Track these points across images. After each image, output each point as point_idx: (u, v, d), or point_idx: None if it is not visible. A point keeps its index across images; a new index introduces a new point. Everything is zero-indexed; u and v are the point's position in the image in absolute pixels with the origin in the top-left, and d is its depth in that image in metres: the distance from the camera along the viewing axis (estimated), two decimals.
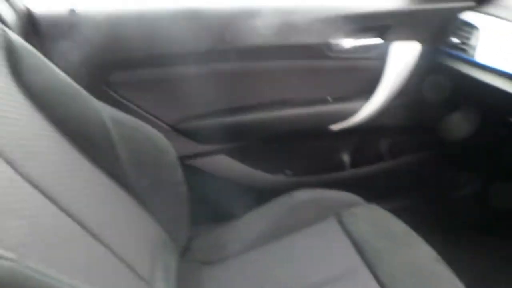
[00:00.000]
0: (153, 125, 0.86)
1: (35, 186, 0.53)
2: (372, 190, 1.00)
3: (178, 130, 1.00)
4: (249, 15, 0.93)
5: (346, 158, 1.15)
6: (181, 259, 0.86)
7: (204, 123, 1.01)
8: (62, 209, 0.55)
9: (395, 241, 0.76)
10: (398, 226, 0.82)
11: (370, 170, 1.14)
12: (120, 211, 0.69)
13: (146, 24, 0.89)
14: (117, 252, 0.61)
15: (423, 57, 1.03)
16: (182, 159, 0.90)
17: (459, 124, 1.12)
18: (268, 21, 0.93)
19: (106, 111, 0.73)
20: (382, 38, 1.02)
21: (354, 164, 1.15)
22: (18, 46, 0.61)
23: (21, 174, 0.52)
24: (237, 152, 1.06)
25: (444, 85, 1.05)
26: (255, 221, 0.90)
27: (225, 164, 1.05)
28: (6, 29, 0.60)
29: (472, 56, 0.94)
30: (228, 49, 0.95)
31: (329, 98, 1.05)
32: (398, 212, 0.85)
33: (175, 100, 0.99)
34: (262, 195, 0.97)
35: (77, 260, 0.51)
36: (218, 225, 0.95)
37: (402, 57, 1.03)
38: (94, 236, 0.58)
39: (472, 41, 0.94)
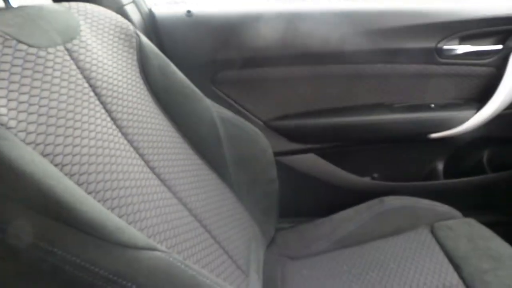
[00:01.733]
0: (249, 120, 0.91)
1: (162, 180, 0.60)
2: (467, 203, 0.94)
3: (271, 127, 1.04)
4: (354, 18, 0.93)
5: (440, 167, 1.09)
6: (267, 252, 0.90)
7: (297, 123, 1.03)
8: (180, 200, 0.62)
9: (497, 262, 0.71)
10: (499, 246, 0.76)
11: (467, 181, 1.07)
12: (223, 204, 0.74)
13: (253, 27, 0.94)
14: (222, 244, 0.66)
15: None
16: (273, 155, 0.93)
17: None
18: (372, 24, 0.92)
19: (215, 109, 0.79)
20: (502, 44, 0.94)
21: (448, 174, 1.09)
22: (147, 48, 0.69)
23: (151, 168, 0.59)
24: (327, 152, 1.07)
25: None
26: (343, 222, 0.90)
27: (314, 162, 1.07)
28: (139, 33, 0.68)
29: None
30: (330, 52, 0.96)
31: (432, 105, 1.00)
32: (494, 228, 0.80)
33: (272, 99, 1.03)
34: (348, 196, 0.97)
35: (193, 250, 0.57)
36: (302, 221, 0.98)
37: None
38: (205, 227, 0.64)
39: None
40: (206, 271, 0.57)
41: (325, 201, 1.03)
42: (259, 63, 0.98)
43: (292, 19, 0.94)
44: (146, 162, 0.59)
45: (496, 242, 0.77)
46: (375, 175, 1.12)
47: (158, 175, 0.60)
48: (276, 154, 1.03)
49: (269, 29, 0.93)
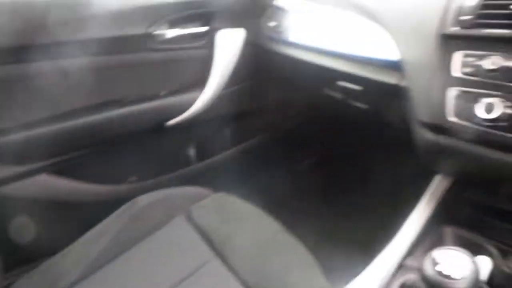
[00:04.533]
0: None
1: None
2: (221, 180, 0.98)
3: None
4: (50, 6, 0.78)
5: (191, 152, 1.11)
6: None
7: (15, 137, 0.82)
8: None
9: (241, 223, 0.75)
10: (244, 208, 0.81)
11: (217, 160, 1.13)
12: None
13: None
14: None
15: (248, 42, 1.06)
16: None
17: (287, 104, 1.20)
18: (70, 12, 0.80)
19: None
20: (208, 26, 1.00)
21: (201, 157, 1.12)
22: None
23: None
24: (63, 167, 0.90)
25: (269, 67, 1.10)
26: (93, 240, 0.78)
27: (49, 184, 0.88)
28: None
29: (287, 36, 1.01)
30: (31, 45, 0.78)
31: (162, 93, 0.98)
32: (250, 196, 0.85)
33: None
34: (105, 211, 0.85)
35: None
36: (47, 259, 0.79)
37: (229, 44, 1.03)
38: None
39: (285, 23, 1.01)
40: None
41: (74, 228, 0.85)
42: None
43: None
44: None
45: (239, 205, 0.81)
46: (131, 178, 1.04)
47: None
48: None
49: None
